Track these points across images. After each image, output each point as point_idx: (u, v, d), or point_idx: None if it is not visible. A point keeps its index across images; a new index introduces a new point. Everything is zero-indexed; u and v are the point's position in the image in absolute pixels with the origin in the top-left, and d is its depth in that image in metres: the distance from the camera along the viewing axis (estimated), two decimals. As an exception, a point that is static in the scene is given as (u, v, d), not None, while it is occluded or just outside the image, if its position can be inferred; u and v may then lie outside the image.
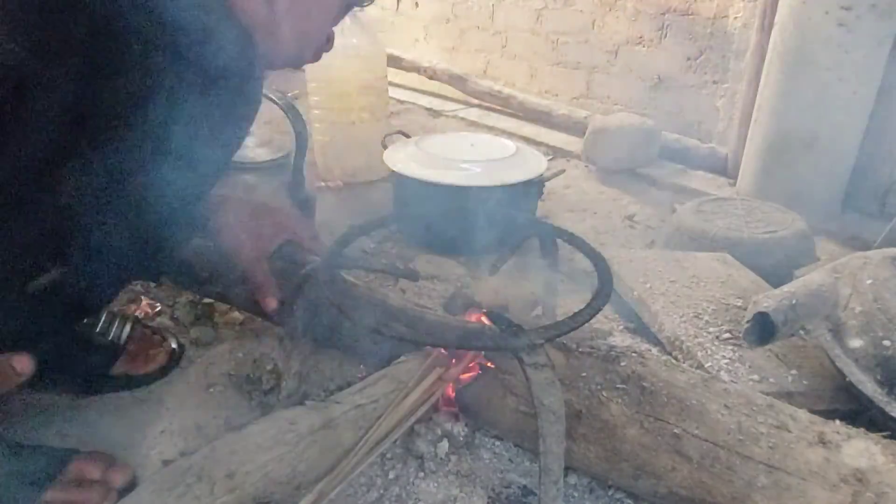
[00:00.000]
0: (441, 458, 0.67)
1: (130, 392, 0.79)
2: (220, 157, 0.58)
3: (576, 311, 0.60)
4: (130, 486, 0.61)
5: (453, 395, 0.72)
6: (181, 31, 0.43)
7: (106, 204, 0.47)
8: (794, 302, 0.72)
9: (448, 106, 2.57)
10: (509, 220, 0.89)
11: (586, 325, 0.60)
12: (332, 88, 1.56)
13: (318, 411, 0.63)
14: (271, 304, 0.75)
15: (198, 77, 0.46)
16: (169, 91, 0.44)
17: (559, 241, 0.81)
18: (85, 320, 0.77)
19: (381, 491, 0.64)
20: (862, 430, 0.57)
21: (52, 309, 0.53)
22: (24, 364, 0.48)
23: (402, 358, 0.72)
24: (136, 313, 0.94)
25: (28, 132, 0.40)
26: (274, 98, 1.13)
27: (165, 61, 0.43)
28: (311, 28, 0.63)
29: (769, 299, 0.73)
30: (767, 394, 0.66)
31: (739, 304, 0.91)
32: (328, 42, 0.68)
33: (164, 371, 0.82)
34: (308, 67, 1.34)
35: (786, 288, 0.76)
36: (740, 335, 0.80)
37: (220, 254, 0.75)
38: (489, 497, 0.64)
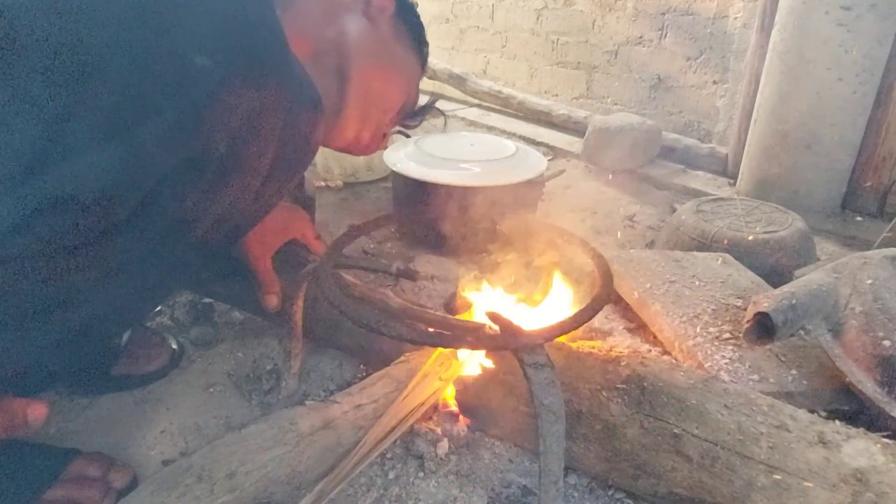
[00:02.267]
0: (441, 458, 0.67)
1: (130, 392, 0.79)
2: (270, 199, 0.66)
3: (576, 311, 0.60)
4: (131, 487, 0.61)
5: (453, 395, 0.72)
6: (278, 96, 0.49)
7: (199, 222, 0.52)
8: (794, 302, 0.72)
9: (448, 106, 2.57)
10: (508, 220, 0.89)
11: (586, 325, 0.60)
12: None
13: (318, 411, 0.63)
14: (273, 301, 0.75)
15: (271, 132, 0.51)
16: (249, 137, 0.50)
17: (559, 240, 0.81)
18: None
19: (381, 491, 0.64)
20: (862, 430, 0.57)
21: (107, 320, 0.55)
22: (37, 413, 0.48)
23: (402, 358, 0.72)
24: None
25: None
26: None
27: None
28: (371, 121, 0.73)
29: (769, 299, 0.73)
30: (767, 394, 0.66)
31: (739, 304, 0.91)
32: (384, 138, 0.78)
33: (164, 371, 0.82)
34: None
35: (786, 288, 0.76)
36: (740, 335, 0.80)
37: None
38: (489, 497, 0.64)
